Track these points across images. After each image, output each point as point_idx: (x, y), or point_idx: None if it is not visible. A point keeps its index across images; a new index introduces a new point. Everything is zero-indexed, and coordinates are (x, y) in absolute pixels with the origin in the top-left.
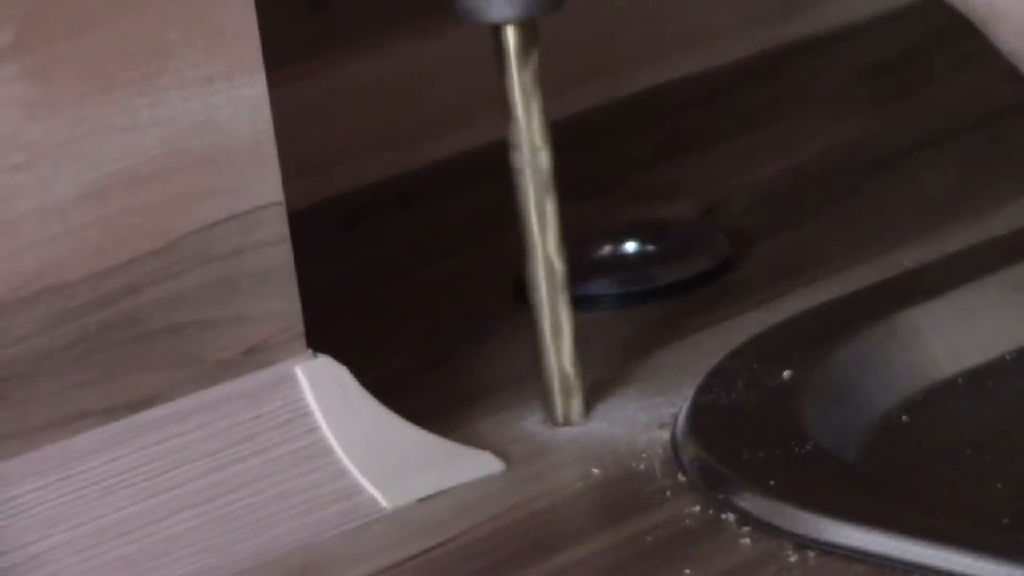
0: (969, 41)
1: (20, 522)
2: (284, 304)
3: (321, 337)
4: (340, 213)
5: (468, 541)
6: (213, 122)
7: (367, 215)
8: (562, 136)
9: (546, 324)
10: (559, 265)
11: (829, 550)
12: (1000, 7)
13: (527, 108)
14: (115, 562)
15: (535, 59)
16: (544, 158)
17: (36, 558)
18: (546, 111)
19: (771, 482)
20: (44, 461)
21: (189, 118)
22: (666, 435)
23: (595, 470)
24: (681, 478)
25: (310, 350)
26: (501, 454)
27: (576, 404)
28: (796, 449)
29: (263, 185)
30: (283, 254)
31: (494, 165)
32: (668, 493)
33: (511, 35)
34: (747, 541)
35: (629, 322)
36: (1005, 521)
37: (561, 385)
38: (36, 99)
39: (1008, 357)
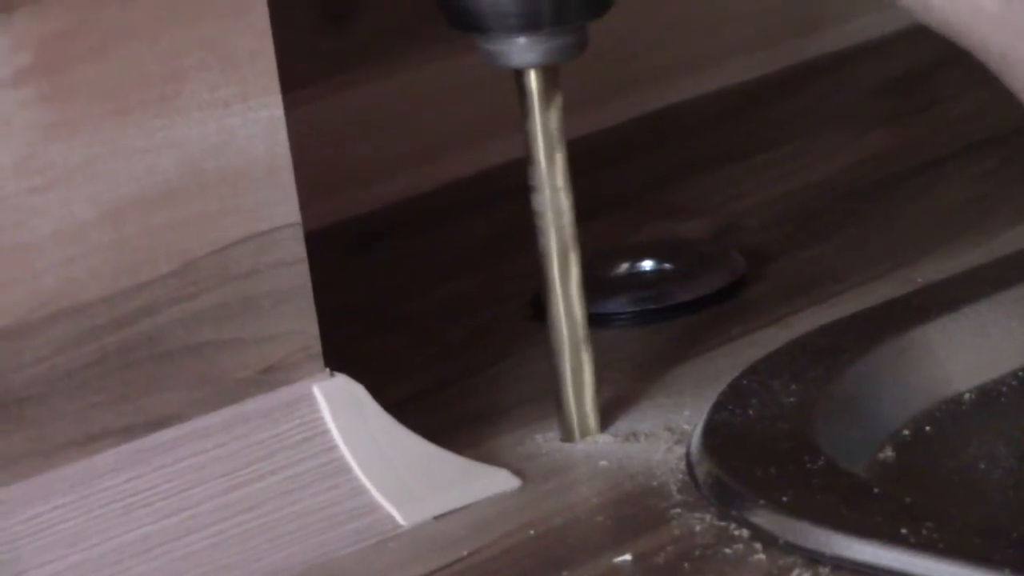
0: None
1: (40, 540)
2: (301, 324)
3: (339, 356)
4: (358, 233)
5: (484, 558)
6: (230, 144)
7: (384, 235)
8: (579, 155)
9: (566, 355)
10: (580, 304)
11: (841, 565)
12: (1015, 57)
13: (549, 152)
14: None
15: (558, 103)
16: (565, 199)
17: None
18: (567, 152)
19: (784, 498)
20: (64, 480)
21: (205, 140)
22: (681, 451)
23: (610, 486)
24: (695, 494)
25: (327, 369)
26: (517, 471)
27: (592, 421)
28: (809, 465)
29: (280, 206)
30: (300, 274)
31: (510, 184)
32: (682, 509)
33: (533, 80)
34: (760, 557)
35: (645, 339)
36: (1015, 536)
37: (577, 404)
38: (54, 121)
39: (1021, 373)
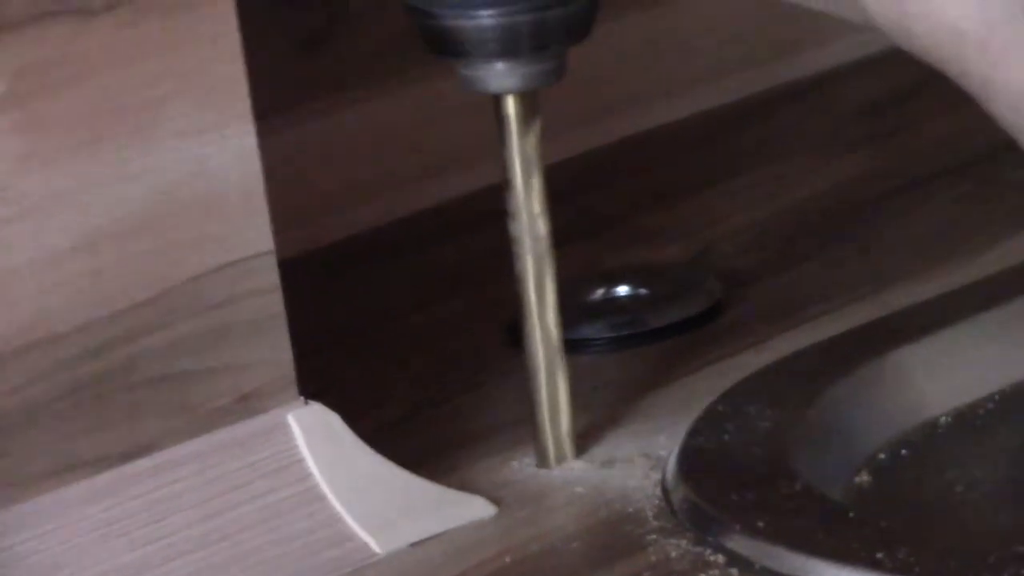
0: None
1: (17, 571)
2: (276, 352)
3: (314, 384)
4: (332, 260)
5: None
6: (204, 172)
7: (359, 262)
8: (556, 180)
9: (542, 381)
10: (556, 330)
11: None
12: (997, 83)
13: (527, 177)
14: None
15: (536, 129)
16: (542, 225)
17: None
18: (545, 179)
19: (760, 523)
20: (39, 510)
21: (180, 168)
22: (657, 477)
23: (587, 513)
24: (672, 520)
25: (302, 397)
26: (494, 498)
27: (568, 447)
28: (785, 490)
29: (254, 234)
30: (275, 303)
31: (485, 210)
32: (658, 535)
33: (511, 106)
34: None
35: (621, 365)
36: (991, 560)
37: (553, 429)
38: (28, 151)
39: (997, 396)
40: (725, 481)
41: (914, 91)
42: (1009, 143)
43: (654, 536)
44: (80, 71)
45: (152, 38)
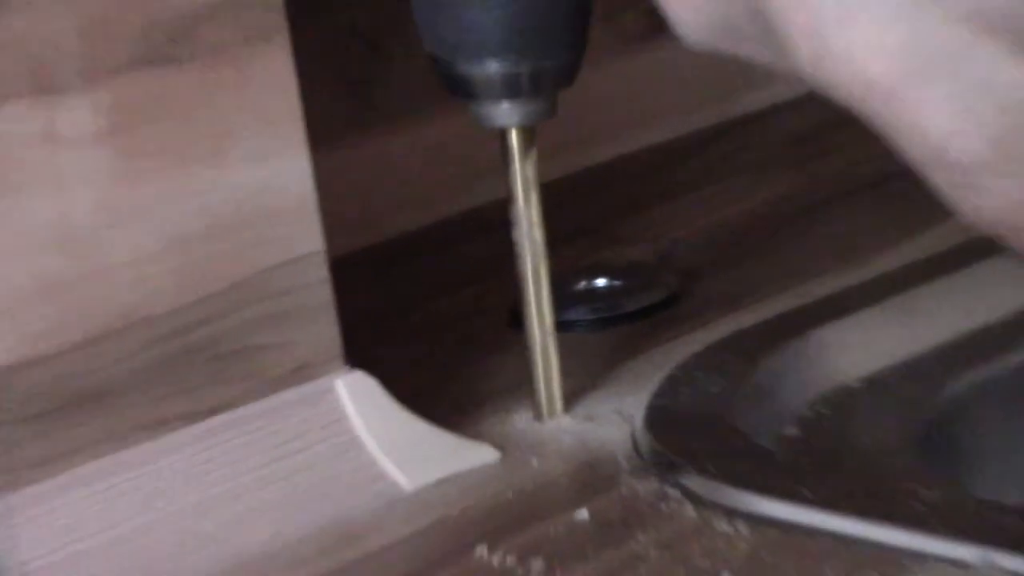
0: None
1: (123, 503)
2: (326, 330)
3: (355, 357)
4: (371, 259)
5: (472, 514)
6: (268, 188)
7: (392, 261)
8: (550, 195)
9: (537, 354)
10: (549, 314)
11: (754, 518)
12: (902, 127)
13: (527, 195)
14: (203, 532)
15: (534, 156)
16: (539, 233)
17: (138, 529)
18: (540, 194)
19: (709, 466)
20: (141, 455)
21: (248, 185)
22: (628, 430)
23: (572, 457)
24: (640, 464)
25: (347, 366)
26: (498, 446)
27: (558, 406)
28: (729, 440)
29: (308, 237)
30: (325, 292)
31: (493, 219)
32: (629, 476)
33: (514, 137)
34: (690, 513)
35: (600, 341)
36: (892, 494)
37: (547, 392)
38: (126, 171)
39: (900, 366)
40: (682, 433)
41: (836, 124)
42: (902, 169)
43: (626, 476)
44: (169, 107)
45: (227, 81)
